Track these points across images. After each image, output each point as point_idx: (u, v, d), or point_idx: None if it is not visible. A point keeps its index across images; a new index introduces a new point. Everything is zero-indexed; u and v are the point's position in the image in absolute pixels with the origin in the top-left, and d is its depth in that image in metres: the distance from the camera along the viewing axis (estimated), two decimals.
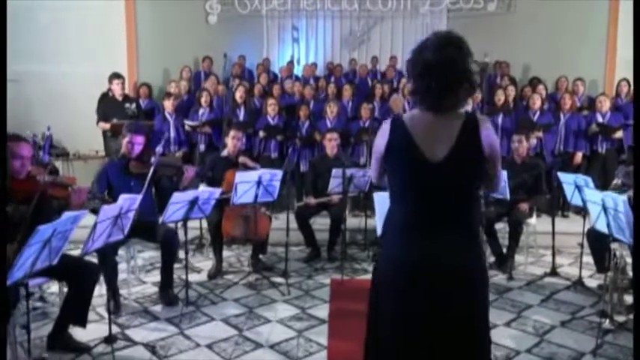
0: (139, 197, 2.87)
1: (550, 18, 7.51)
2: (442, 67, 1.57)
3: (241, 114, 5.87)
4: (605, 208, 2.91)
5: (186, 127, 5.75)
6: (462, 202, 1.64)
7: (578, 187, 3.55)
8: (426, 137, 1.61)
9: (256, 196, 3.78)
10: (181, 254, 4.63)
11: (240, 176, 3.69)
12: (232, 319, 3.32)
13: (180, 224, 3.74)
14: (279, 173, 3.85)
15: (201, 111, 5.82)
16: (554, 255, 4.18)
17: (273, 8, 8.57)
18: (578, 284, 3.87)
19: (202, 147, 5.76)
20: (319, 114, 6.04)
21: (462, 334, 1.60)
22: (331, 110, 5.74)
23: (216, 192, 3.51)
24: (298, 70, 8.57)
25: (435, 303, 1.61)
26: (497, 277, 4.16)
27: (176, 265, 3.91)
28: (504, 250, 4.36)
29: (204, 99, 5.83)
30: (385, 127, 1.69)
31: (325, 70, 8.52)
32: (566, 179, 3.67)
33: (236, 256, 4.70)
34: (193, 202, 3.34)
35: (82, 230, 2.56)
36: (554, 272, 4.12)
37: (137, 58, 7.54)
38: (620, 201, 2.79)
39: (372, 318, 1.75)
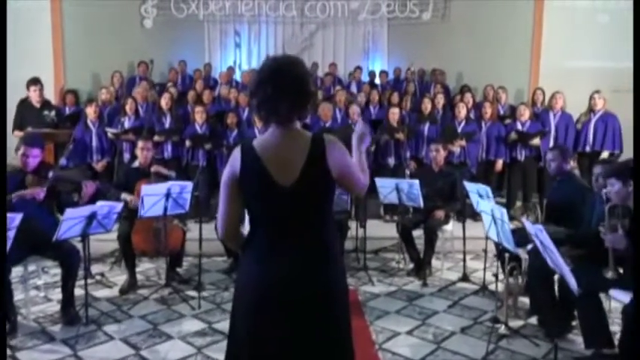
0: (18, 216, 2.73)
1: (480, 28, 7.79)
2: (279, 73, 1.61)
3: (167, 121, 5.75)
4: (494, 218, 3.02)
5: (109, 135, 5.57)
6: (316, 225, 1.65)
7: (481, 197, 3.67)
8: (276, 162, 1.61)
9: (166, 209, 3.70)
10: (99, 268, 4.54)
11: (146, 189, 3.60)
12: (133, 337, 3.22)
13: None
14: (189, 185, 3.78)
15: (125, 118, 5.65)
16: (464, 260, 4.30)
17: (211, 13, 8.46)
18: (485, 289, 3.99)
19: (127, 156, 5.59)
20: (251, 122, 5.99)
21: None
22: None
23: (118, 206, 3.40)
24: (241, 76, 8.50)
25: (291, 328, 1.60)
26: (412, 284, 4.24)
27: (88, 281, 3.80)
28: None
29: (129, 106, 5.66)
30: (236, 155, 1.66)
31: None
32: (471, 188, 3.79)
33: (156, 269, 4.58)
34: (91, 218, 3.23)
35: None
36: (465, 277, 4.24)
37: (64, 63, 7.25)
38: (504, 212, 2.90)
39: (230, 338, 1.75)
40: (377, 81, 8.05)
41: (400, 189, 4.25)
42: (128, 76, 7.66)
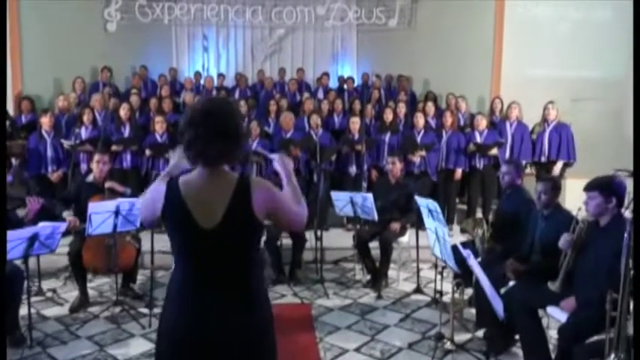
0: None
1: (445, 35, 7.88)
2: (208, 115, 1.61)
3: (126, 131, 5.66)
4: (437, 236, 3.07)
5: (65, 146, 5.46)
6: (239, 268, 1.63)
7: (431, 212, 3.72)
8: (200, 204, 1.59)
9: (115, 226, 3.65)
10: (52, 283, 4.45)
11: (93, 207, 3.54)
12: None
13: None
14: (138, 202, 3.72)
15: (83, 128, 5.55)
16: (418, 272, 4.35)
17: (176, 17, 8.36)
18: (437, 302, 4.04)
19: (84, 166, 5.49)
20: None
21: None
22: None
23: (62, 226, 3.34)
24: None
25: None
26: (367, 297, 4.27)
27: (37, 299, 3.72)
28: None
29: (86, 116, 5.56)
30: (161, 190, 1.64)
31: (235, 81, 8.42)
32: (422, 203, 3.83)
33: (110, 284, 4.49)
34: (33, 239, 3.16)
35: None
36: (419, 289, 4.29)
37: (21, 67, 7.06)
38: (446, 232, 2.95)
39: None
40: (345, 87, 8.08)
41: (355, 202, 4.28)
42: (91, 82, 7.52)
